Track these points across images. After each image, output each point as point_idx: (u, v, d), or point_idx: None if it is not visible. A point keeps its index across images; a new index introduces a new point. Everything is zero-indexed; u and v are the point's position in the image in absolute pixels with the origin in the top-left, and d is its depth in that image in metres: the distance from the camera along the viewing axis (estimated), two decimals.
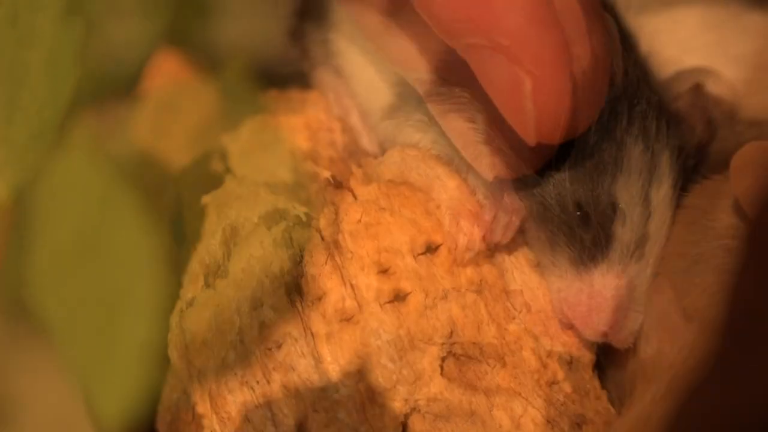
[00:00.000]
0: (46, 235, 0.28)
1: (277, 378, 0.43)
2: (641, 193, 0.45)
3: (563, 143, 0.44)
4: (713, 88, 0.48)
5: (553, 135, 0.42)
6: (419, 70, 0.46)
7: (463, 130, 0.45)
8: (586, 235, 0.44)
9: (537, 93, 0.41)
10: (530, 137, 0.42)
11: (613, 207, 0.44)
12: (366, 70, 0.49)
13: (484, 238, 0.45)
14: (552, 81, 0.41)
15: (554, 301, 0.45)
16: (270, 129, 0.50)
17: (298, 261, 0.44)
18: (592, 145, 0.44)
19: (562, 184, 0.44)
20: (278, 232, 0.45)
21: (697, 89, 0.47)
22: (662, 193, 0.45)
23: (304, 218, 0.45)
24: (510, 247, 0.46)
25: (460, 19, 0.42)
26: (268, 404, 0.43)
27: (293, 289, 0.44)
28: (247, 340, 0.43)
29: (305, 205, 0.46)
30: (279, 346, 0.43)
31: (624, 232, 0.44)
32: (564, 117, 0.42)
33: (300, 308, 0.44)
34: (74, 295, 0.28)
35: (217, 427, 0.44)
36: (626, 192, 0.44)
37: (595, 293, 0.44)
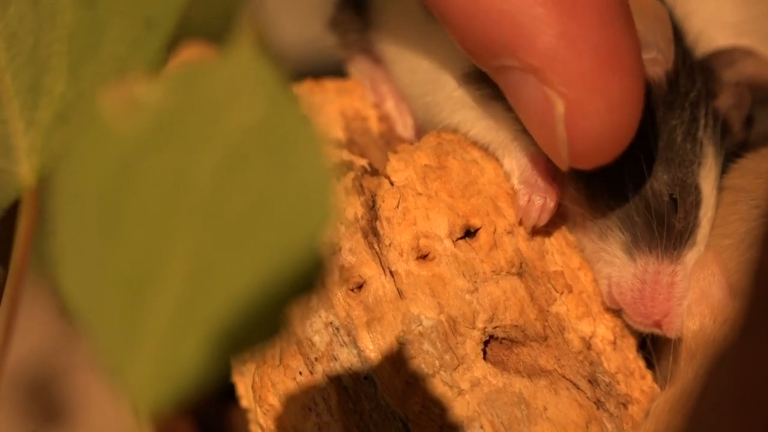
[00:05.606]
0: (71, 211, 0.28)
1: (319, 368, 0.43)
2: (691, 180, 0.44)
3: None
4: (751, 67, 0.47)
5: (587, 161, 0.40)
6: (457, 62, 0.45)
7: (502, 118, 0.45)
8: (639, 221, 0.43)
9: (570, 116, 0.39)
10: (562, 163, 0.41)
11: (670, 195, 0.43)
12: (406, 55, 0.48)
13: (520, 222, 0.44)
14: (587, 103, 0.39)
15: (603, 287, 0.45)
16: (318, 91, 0.50)
17: (371, 206, 0.44)
18: (645, 132, 0.44)
19: (616, 170, 0.43)
20: (348, 181, 0.44)
21: (737, 88, 0.46)
22: (710, 180, 0.45)
23: (369, 168, 0.45)
24: (549, 229, 0.45)
25: (488, 40, 0.40)
26: (311, 395, 0.43)
27: (370, 233, 0.44)
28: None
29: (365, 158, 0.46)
30: (320, 336, 0.43)
31: (677, 220, 0.44)
32: (600, 141, 0.39)
33: (378, 249, 0.44)
34: (102, 271, 0.28)
35: (261, 421, 0.44)
36: (677, 180, 0.44)
37: (650, 280, 0.43)
